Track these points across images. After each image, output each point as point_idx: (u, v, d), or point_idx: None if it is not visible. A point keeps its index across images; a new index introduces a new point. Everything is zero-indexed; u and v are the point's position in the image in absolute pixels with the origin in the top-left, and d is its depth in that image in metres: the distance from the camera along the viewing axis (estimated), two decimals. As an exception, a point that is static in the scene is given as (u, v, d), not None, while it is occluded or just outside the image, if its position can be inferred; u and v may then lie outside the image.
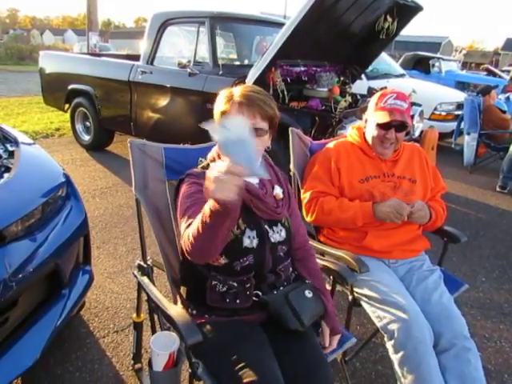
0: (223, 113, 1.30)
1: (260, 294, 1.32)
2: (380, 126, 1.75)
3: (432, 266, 1.82)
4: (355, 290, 1.68)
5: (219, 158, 1.35)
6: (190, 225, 1.17)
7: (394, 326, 1.51)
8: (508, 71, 11.98)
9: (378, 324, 1.57)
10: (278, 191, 1.42)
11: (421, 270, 1.77)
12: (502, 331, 2.35)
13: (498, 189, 4.84)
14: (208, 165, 1.39)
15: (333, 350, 1.43)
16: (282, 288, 1.35)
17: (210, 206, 1.02)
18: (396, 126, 1.74)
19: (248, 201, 1.31)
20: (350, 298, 1.69)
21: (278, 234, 1.36)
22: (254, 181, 1.38)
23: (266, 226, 1.35)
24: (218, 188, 0.94)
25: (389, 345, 1.52)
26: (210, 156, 1.42)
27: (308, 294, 1.34)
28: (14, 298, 1.50)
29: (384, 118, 1.72)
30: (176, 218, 1.37)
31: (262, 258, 1.33)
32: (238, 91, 1.31)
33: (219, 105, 1.33)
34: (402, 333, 1.48)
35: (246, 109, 1.27)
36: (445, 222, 1.90)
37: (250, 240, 1.30)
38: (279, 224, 1.38)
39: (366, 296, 1.65)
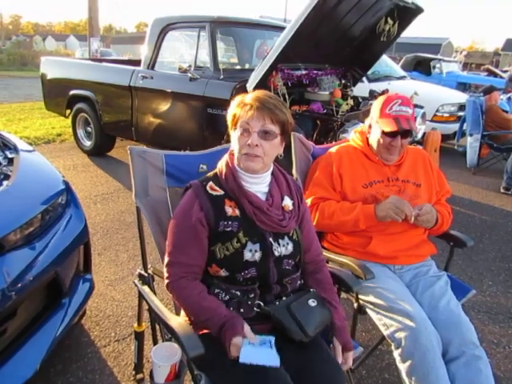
0: (234, 116, 1.31)
1: (262, 304, 1.29)
2: (386, 134, 1.72)
3: (438, 272, 1.79)
4: (360, 297, 1.65)
5: (228, 168, 1.33)
6: (179, 255, 1.28)
7: (401, 335, 1.47)
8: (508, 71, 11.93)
9: (385, 332, 1.54)
10: (287, 202, 1.37)
11: (427, 276, 1.73)
12: (510, 336, 2.31)
13: (502, 190, 4.80)
14: (215, 174, 1.37)
15: None
16: (284, 298, 1.31)
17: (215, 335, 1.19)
18: (402, 133, 1.71)
19: (251, 213, 1.29)
20: (356, 305, 1.65)
21: (283, 248, 1.32)
22: (262, 190, 1.35)
23: (271, 239, 1.31)
24: (233, 351, 1.16)
25: (396, 353, 1.49)
26: (219, 165, 1.39)
27: (312, 303, 1.29)
28: (12, 308, 1.48)
29: (391, 126, 1.69)
30: None
31: (266, 271, 1.30)
32: (250, 95, 1.31)
33: (231, 108, 1.34)
34: (409, 341, 1.45)
35: (256, 111, 1.26)
36: (450, 225, 1.87)
37: (251, 253, 1.27)
38: (286, 237, 1.34)
39: (371, 303, 1.62)
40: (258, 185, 1.35)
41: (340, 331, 1.35)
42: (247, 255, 1.27)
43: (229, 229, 1.27)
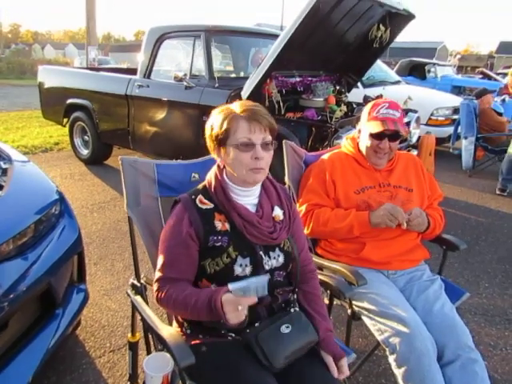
0: (227, 130, 1.24)
1: (233, 334, 1.26)
2: (373, 135, 1.74)
3: (432, 276, 1.79)
4: (355, 303, 1.65)
5: (217, 181, 1.30)
6: (168, 271, 1.25)
7: (395, 340, 1.47)
8: (503, 74, 11.99)
9: (379, 338, 1.54)
10: (277, 212, 1.34)
11: (421, 281, 1.73)
12: (507, 338, 2.31)
13: (497, 192, 4.82)
14: (204, 186, 1.34)
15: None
16: (257, 324, 1.26)
17: (209, 313, 1.12)
18: (389, 135, 1.72)
19: (240, 226, 1.26)
20: (349, 311, 1.66)
21: (274, 260, 1.30)
22: (252, 202, 1.33)
23: (261, 253, 1.28)
24: (233, 317, 1.08)
25: (391, 359, 1.48)
26: (208, 177, 1.36)
27: (285, 329, 1.22)
28: (4, 320, 1.47)
29: (377, 127, 1.71)
30: None
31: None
32: (238, 107, 1.25)
33: (219, 124, 1.25)
34: (404, 346, 1.45)
35: (257, 124, 1.22)
36: (445, 227, 1.88)
37: (241, 268, 1.25)
38: (277, 249, 1.32)
39: (365, 309, 1.62)
40: (248, 197, 1.32)
41: (325, 343, 1.30)
42: (237, 270, 1.25)
43: (218, 244, 1.25)
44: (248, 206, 1.31)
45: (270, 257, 1.30)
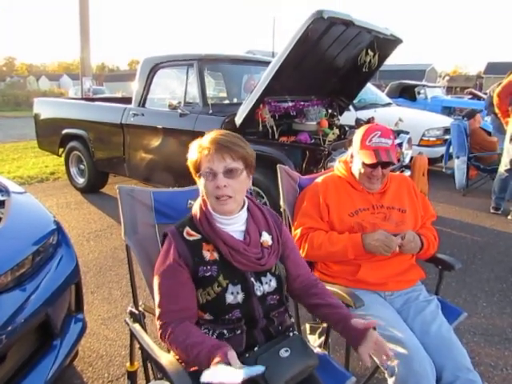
0: (196, 162, 1.29)
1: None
2: (366, 165, 1.78)
3: (429, 296, 1.80)
4: (352, 325, 1.65)
5: (202, 212, 1.32)
6: (168, 305, 1.25)
7: (393, 362, 1.47)
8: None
9: (378, 360, 1.53)
10: (265, 238, 1.35)
11: (417, 301, 1.74)
12: (507, 358, 2.30)
13: (491, 210, 4.86)
14: (190, 217, 1.36)
15: None
16: (256, 348, 1.27)
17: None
18: (382, 163, 1.76)
19: (227, 254, 1.27)
20: (348, 334, 1.65)
21: (266, 285, 1.31)
22: (238, 229, 1.34)
23: (253, 279, 1.30)
24: None
25: (390, 382, 1.48)
26: (193, 209, 1.39)
27: (284, 352, 1.21)
28: (2, 352, 1.46)
29: (370, 158, 1.74)
30: None
31: (251, 311, 1.29)
32: (205, 139, 1.30)
33: (191, 156, 1.32)
34: (402, 369, 1.44)
35: (214, 154, 1.25)
36: (441, 246, 1.90)
37: (233, 296, 1.26)
38: (268, 273, 1.33)
39: (363, 331, 1.62)
40: (233, 224, 1.34)
41: (348, 327, 1.28)
42: (229, 298, 1.26)
43: (208, 273, 1.27)
44: (234, 234, 1.32)
45: (261, 282, 1.31)
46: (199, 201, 1.38)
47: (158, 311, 1.27)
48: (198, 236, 1.31)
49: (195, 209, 1.37)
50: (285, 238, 1.43)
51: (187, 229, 1.33)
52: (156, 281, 1.30)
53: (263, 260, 1.31)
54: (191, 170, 1.34)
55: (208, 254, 1.29)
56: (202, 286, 1.27)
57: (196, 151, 1.30)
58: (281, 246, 1.39)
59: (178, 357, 1.27)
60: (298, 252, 1.51)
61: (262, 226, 1.38)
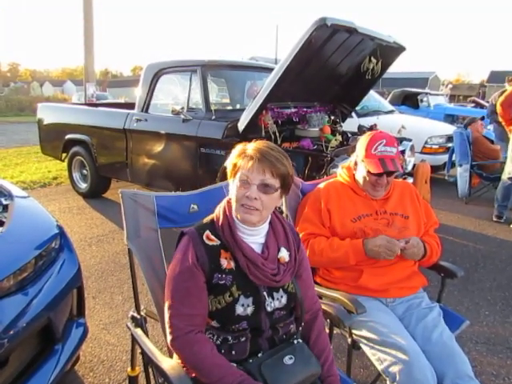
0: (235, 166, 1.29)
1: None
2: (372, 173, 1.77)
3: (431, 303, 1.79)
4: (354, 331, 1.65)
5: (225, 218, 1.31)
6: (182, 307, 1.22)
7: (395, 369, 1.46)
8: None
9: (379, 367, 1.53)
10: (283, 254, 1.33)
11: (419, 308, 1.74)
12: (509, 367, 2.28)
13: (494, 218, 4.85)
14: (212, 221, 1.34)
15: None
16: (261, 354, 1.27)
17: None
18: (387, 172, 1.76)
19: (244, 266, 1.26)
20: (349, 340, 1.65)
21: (277, 301, 1.30)
22: (258, 241, 1.33)
23: (265, 293, 1.28)
24: None
25: (391, 389, 1.47)
26: (217, 211, 1.36)
27: (288, 360, 1.22)
28: (4, 357, 1.46)
29: (376, 168, 1.74)
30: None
31: (258, 324, 1.28)
32: (251, 145, 1.29)
33: (232, 157, 1.31)
34: (403, 376, 1.44)
35: (256, 163, 1.24)
36: (443, 254, 1.90)
37: (243, 308, 1.25)
38: (281, 290, 1.32)
39: (365, 338, 1.61)
40: (255, 236, 1.32)
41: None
42: (239, 309, 1.24)
43: (222, 282, 1.25)
44: (254, 246, 1.31)
45: (273, 298, 1.30)
46: (224, 204, 1.35)
47: (168, 312, 1.24)
48: (217, 242, 1.29)
49: (218, 212, 1.35)
50: (301, 257, 1.41)
51: (207, 233, 1.30)
52: (171, 281, 1.27)
53: (278, 277, 1.29)
54: (228, 170, 1.33)
55: (225, 262, 1.27)
56: (214, 294, 1.25)
57: (238, 155, 1.29)
58: (297, 264, 1.37)
59: (183, 364, 1.25)
60: (310, 274, 1.47)
61: (282, 242, 1.36)
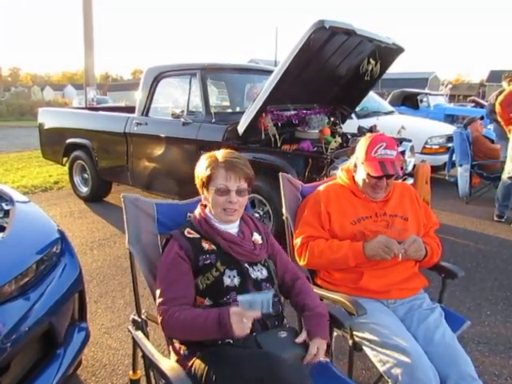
0: (209, 176, 1.46)
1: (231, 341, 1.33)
2: (372, 176, 1.78)
3: (432, 304, 1.79)
4: (355, 333, 1.65)
5: (201, 216, 1.52)
6: (167, 293, 1.36)
7: (397, 370, 1.47)
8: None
9: (381, 368, 1.53)
10: (256, 237, 1.54)
11: (421, 309, 1.74)
12: (511, 367, 2.28)
13: (495, 218, 4.85)
14: (190, 222, 1.55)
15: None
16: (254, 333, 1.34)
17: (218, 328, 1.21)
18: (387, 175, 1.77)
19: (226, 247, 1.45)
20: (351, 342, 1.65)
21: (259, 272, 1.47)
22: (233, 230, 1.52)
23: (246, 265, 1.45)
24: (238, 328, 1.19)
25: (393, 390, 1.47)
26: (193, 215, 1.57)
27: (282, 334, 1.36)
28: (6, 362, 1.46)
29: (376, 171, 1.75)
30: None
31: (247, 293, 1.40)
32: (220, 157, 1.48)
33: (203, 170, 1.48)
34: (406, 377, 1.44)
35: (231, 174, 1.44)
36: (444, 254, 1.90)
37: (230, 279, 1.40)
38: (259, 264, 1.49)
39: (366, 340, 1.61)
40: (229, 227, 1.52)
41: (308, 319, 1.45)
42: (227, 281, 1.40)
43: (208, 261, 1.42)
44: (230, 231, 1.51)
45: (254, 269, 1.47)
46: (198, 209, 1.56)
47: (158, 300, 1.36)
48: (197, 235, 1.49)
49: (193, 215, 1.56)
50: (272, 241, 1.63)
51: (188, 229, 1.50)
52: (158, 274, 1.43)
53: (256, 251, 1.50)
54: (199, 181, 1.51)
55: (207, 245, 1.46)
56: (202, 273, 1.41)
57: (209, 166, 1.47)
58: (269, 245, 1.59)
59: (181, 339, 1.39)
60: (284, 253, 1.68)
61: (253, 229, 1.58)
